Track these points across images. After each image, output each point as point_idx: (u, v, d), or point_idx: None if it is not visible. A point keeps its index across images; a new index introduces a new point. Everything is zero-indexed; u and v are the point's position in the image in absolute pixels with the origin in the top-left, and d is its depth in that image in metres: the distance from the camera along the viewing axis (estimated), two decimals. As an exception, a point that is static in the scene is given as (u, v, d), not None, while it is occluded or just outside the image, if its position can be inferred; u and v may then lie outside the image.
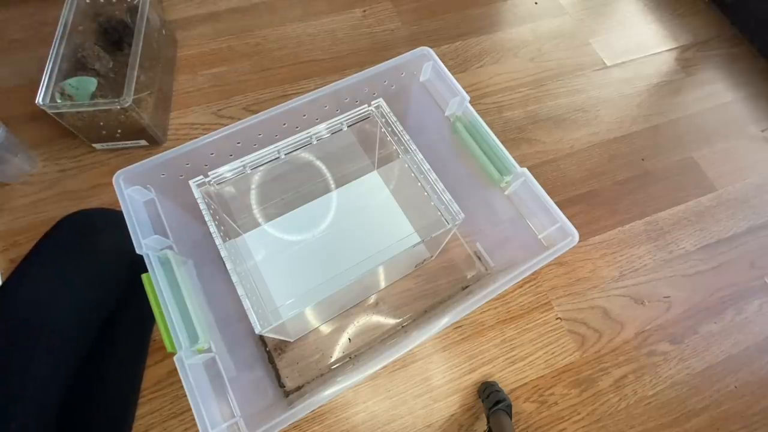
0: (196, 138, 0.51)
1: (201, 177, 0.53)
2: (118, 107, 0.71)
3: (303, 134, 0.56)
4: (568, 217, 0.49)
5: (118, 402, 0.47)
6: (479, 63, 1.04)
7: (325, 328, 0.74)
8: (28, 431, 0.36)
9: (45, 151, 0.85)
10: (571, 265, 0.84)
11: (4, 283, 0.41)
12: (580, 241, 0.48)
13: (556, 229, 0.50)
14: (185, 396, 0.39)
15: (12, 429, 0.36)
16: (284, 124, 0.55)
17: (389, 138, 0.59)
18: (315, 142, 0.57)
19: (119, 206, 0.47)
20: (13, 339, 0.38)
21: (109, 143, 0.84)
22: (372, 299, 0.77)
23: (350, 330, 0.74)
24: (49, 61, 0.74)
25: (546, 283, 0.82)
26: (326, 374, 0.70)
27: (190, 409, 0.46)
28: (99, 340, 0.43)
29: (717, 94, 1.07)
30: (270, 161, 0.56)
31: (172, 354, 0.41)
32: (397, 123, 0.58)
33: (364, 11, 1.09)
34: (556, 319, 0.79)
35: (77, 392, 0.40)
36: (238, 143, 0.54)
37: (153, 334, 0.69)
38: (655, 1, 1.19)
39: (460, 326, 0.77)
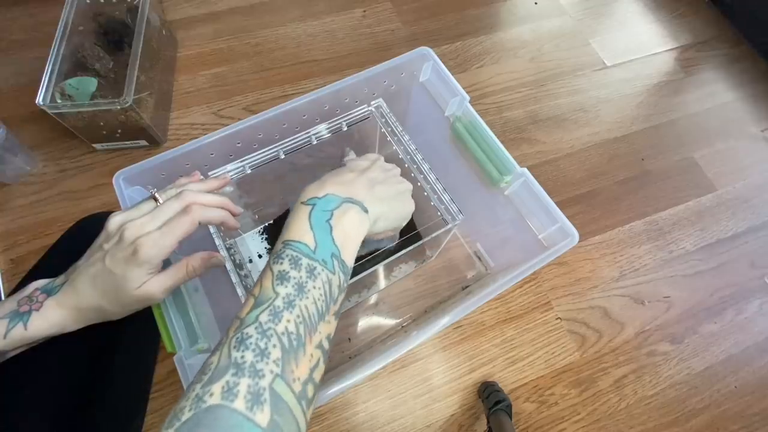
0: (196, 138, 0.51)
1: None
2: (118, 107, 0.71)
3: (303, 134, 0.56)
4: (568, 217, 0.49)
5: (128, 401, 0.47)
6: (479, 63, 1.04)
7: (325, 328, 0.74)
8: (39, 430, 0.36)
9: (45, 151, 0.85)
10: (571, 265, 0.84)
11: (19, 283, 0.41)
12: (580, 241, 0.48)
13: (556, 229, 0.50)
14: (185, 396, 0.39)
15: (22, 429, 0.36)
16: (284, 125, 0.55)
17: (389, 138, 0.59)
18: (315, 142, 0.57)
19: (119, 207, 0.47)
20: None
21: (109, 143, 0.84)
22: (372, 299, 0.77)
23: (350, 330, 0.74)
24: (49, 61, 0.74)
25: (546, 283, 0.82)
26: (326, 374, 0.70)
27: (190, 409, 0.46)
28: (109, 339, 0.43)
29: (717, 94, 1.07)
30: (270, 161, 0.56)
31: (172, 354, 0.41)
32: (397, 123, 0.58)
33: (364, 11, 1.09)
34: (556, 319, 0.79)
35: (87, 391, 0.40)
36: (238, 143, 0.54)
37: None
38: (655, 1, 1.19)
39: (460, 326, 0.77)
